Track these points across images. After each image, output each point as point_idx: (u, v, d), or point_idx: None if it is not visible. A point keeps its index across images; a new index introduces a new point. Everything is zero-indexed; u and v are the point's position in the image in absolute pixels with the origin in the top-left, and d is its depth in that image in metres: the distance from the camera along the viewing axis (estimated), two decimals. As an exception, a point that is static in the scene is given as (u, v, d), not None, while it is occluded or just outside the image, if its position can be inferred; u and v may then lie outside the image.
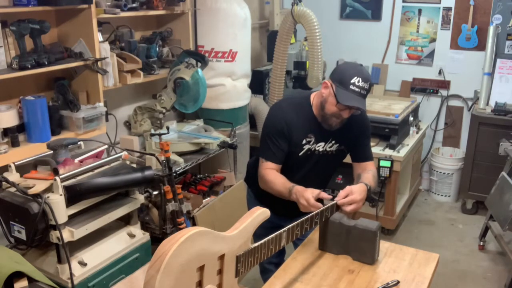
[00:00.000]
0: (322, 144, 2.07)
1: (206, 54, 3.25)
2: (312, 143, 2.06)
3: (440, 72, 4.36)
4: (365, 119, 2.16)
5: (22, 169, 2.09)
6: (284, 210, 2.05)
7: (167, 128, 2.82)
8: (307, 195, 1.83)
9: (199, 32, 3.34)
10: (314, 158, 2.09)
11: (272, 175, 2.03)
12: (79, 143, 2.34)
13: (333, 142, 2.09)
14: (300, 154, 2.06)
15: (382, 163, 3.47)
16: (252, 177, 2.25)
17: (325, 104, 1.95)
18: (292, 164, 2.07)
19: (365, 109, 1.93)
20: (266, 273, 2.46)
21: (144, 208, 2.62)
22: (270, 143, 2.03)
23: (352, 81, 1.85)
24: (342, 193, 1.83)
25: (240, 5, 3.40)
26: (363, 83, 1.86)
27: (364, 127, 2.15)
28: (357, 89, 1.86)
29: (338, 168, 2.25)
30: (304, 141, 2.04)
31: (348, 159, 2.20)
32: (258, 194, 2.22)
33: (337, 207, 1.81)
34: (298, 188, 1.89)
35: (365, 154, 2.16)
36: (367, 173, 2.07)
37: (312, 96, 2.07)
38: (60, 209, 1.92)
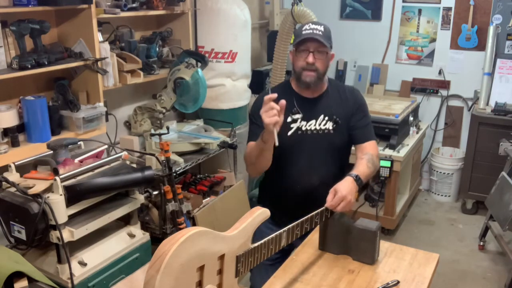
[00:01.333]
0: (313, 122, 2.03)
1: (206, 55, 3.26)
2: (301, 121, 2.01)
3: (440, 72, 4.36)
4: (358, 96, 2.13)
5: (22, 169, 2.09)
6: (289, 222, 1.96)
7: (167, 128, 2.82)
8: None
9: (199, 33, 3.34)
10: (308, 139, 2.02)
11: (248, 147, 2.00)
12: (79, 143, 2.34)
13: (326, 118, 2.04)
14: (289, 134, 2.01)
15: (382, 163, 3.46)
16: (264, 196, 2.23)
17: (294, 66, 1.99)
18: (286, 148, 1.97)
19: (323, 40, 1.90)
20: None
21: (144, 208, 2.62)
22: (253, 127, 2.04)
23: (303, 28, 1.94)
24: (329, 196, 1.77)
25: (240, 7, 3.40)
26: (314, 25, 1.93)
27: (358, 103, 2.10)
28: (309, 31, 1.91)
29: (347, 151, 2.13)
30: (289, 119, 2.00)
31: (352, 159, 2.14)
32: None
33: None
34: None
35: (363, 134, 2.06)
36: (361, 159, 1.99)
37: (291, 78, 2.11)
38: (60, 209, 1.92)
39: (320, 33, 1.92)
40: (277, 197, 2.06)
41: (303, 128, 2.02)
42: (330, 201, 1.75)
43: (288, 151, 2.01)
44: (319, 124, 2.03)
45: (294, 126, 2.01)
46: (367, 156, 1.99)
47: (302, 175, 2.04)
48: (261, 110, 1.72)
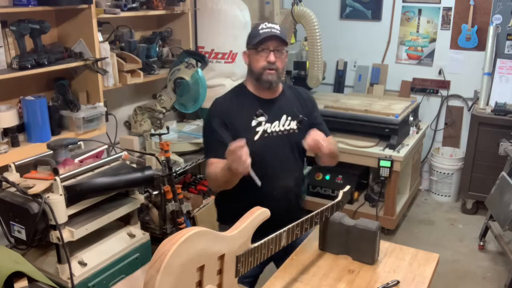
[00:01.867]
0: (276, 123, 1.97)
1: (206, 55, 3.26)
2: (265, 123, 1.95)
3: (440, 72, 4.36)
4: (310, 95, 2.18)
5: (22, 169, 2.09)
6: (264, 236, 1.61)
7: (167, 128, 2.83)
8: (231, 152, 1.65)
9: (200, 33, 3.34)
10: (275, 141, 1.96)
11: (213, 166, 1.87)
12: (79, 143, 2.34)
13: (289, 118, 2.00)
14: (256, 138, 1.93)
15: (382, 163, 3.46)
16: (230, 214, 1.78)
17: (252, 66, 1.95)
18: (255, 154, 1.81)
19: (283, 37, 1.89)
20: None
21: (144, 208, 2.62)
22: (212, 139, 1.93)
23: (259, 28, 1.91)
24: (308, 140, 1.80)
25: (239, 7, 3.39)
26: (270, 24, 1.91)
27: (313, 102, 2.14)
28: (267, 30, 1.88)
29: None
30: (254, 123, 1.93)
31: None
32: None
33: (337, 207, 1.81)
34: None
35: (323, 131, 2.06)
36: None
37: (244, 82, 2.05)
38: (60, 209, 1.92)
39: (278, 32, 1.89)
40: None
41: (269, 131, 1.96)
42: (311, 139, 1.79)
43: (258, 157, 1.87)
44: (283, 125, 1.99)
45: (260, 129, 1.94)
46: (331, 140, 2.05)
47: (277, 179, 1.97)
48: (228, 159, 1.65)
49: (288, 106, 2.02)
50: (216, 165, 1.85)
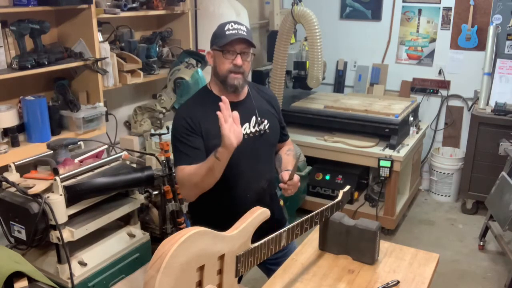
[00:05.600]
0: (246, 125, 1.91)
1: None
2: None
3: (440, 72, 4.36)
4: (273, 93, 2.18)
5: (22, 169, 2.09)
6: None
7: (167, 128, 2.83)
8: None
9: (200, 36, 3.34)
10: (247, 144, 1.87)
11: (187, 168, 1.79)
12: (79, 143, 2.34)
13: (259, 120, 1.94)
14: None
15: (382, 163, 3.46)
16: (204, 217, 1.84)
17: (217, 69, 1.85)
18: (229, 159, 1.82)
19: (249, 38, 1.81)
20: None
21: (144, 208, 2.62)
22: (181, 147, 1.83)
23: (225, 28, 1.81)
24: (284, 176, 1.84)
25: (237, 12, 3.39)
26: (237, 25, 1.82)
27: (276, 99, 2.12)
28: (233, 31, 1.79)
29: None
30: None
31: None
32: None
33: (337, 207, 1.81)
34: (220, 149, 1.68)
35: (286, 132, 2.13)
36: (287, 154, 2.05)
37: (208, 84, 1.97)
38: (60, 209, 1.92)
39: (245, 33, 1.81)
40: (225, 212, 1.84)
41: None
42: (286, 180, 1.82)
43: (232, 161, 1.81)
44: (253, 127, 1.94)
45: None
46: (292, 153, 2.09)
47: (250, 182, 1.94)
48: (225, 126, 1.61)
49: (256, 107, 1.96)
50: (193, 167, 1.79)
